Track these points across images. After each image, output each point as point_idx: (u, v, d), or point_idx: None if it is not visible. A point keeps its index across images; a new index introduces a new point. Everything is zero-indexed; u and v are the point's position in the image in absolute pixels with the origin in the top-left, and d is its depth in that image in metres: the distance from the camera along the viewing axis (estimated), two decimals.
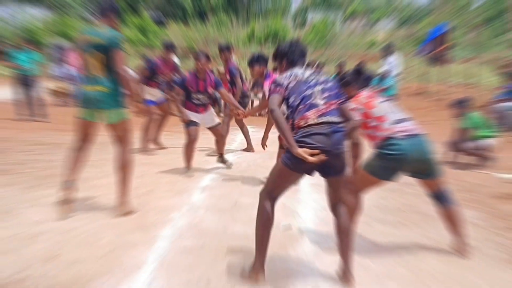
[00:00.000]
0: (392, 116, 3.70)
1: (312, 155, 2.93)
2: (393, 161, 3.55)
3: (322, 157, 2.94)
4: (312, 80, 3.23)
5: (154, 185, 5.91)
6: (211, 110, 6.91)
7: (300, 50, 3.46)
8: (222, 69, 11.52)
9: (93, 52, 4.23)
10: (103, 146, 7.88)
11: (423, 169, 3.70)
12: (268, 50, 30.73)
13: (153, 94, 7.93)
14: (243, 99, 8.57)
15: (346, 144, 3.16)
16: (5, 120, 10.43)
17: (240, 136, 9.63)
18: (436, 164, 3.74)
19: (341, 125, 3.12)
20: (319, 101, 3.12)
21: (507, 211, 5.01)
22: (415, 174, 3.77)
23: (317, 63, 13.12)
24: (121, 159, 4.60)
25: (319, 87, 3.19)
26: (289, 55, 3.44)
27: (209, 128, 6.79)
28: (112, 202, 5.02)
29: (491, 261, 3.71)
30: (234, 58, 12.78)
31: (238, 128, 8.48)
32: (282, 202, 5.17)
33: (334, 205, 3.31)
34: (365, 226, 4.47)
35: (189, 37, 32.11)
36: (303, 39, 28.28)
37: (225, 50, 8.10)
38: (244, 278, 3.27)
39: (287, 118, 3.15)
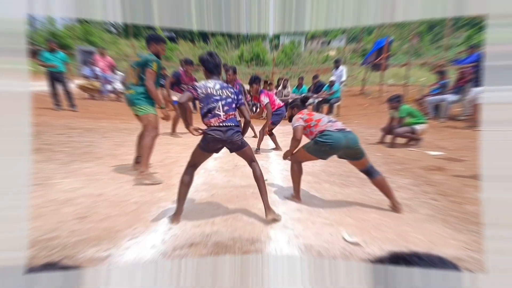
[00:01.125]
0: (326, 118, 3.92)
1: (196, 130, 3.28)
2: (326, 146, 3.68)
3: (200, 132, 3.30)
4: (218, 95, 3.36)
5: (177, 158, 5.91)
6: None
7: (214, 62, 3.45)
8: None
9: (133, 67, 4.55)
10: (131, 131, 7.77)
11: (350, 154, 3.82)
12: (253, 69, 30.61)
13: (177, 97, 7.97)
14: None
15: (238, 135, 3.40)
16: (39, 109, 9.81)
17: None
18: (360, 151, 3.82)
19: (234, 126, 3.37)
20: (221, 112, 3.33)
21: (434, 179, 4.94)
22: (344, 157, 3.90)
23: (284, 78, 13.56)
24: (142, 140, 4.76)
25: (222, 102, 3.35)
26: (206, 65, 3.45)
27: None
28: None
29: (421, 217, 3.70)
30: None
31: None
32: (261, 164, 5.15)
33: (249, 164, 3.55)
34: (316, 185, 4.58)
35: (195, 53, 31.66)
36: (276, 59, 28.08)
37: (230, 71, 8.14)
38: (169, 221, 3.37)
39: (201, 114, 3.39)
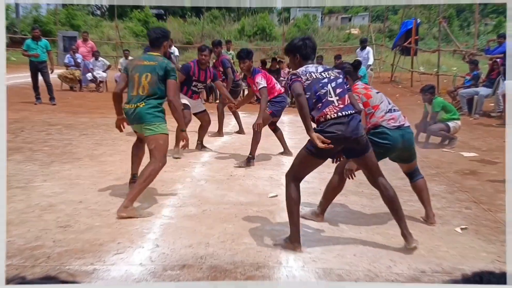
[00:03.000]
0: (384, 105, 3.71)
1: (323, 142, 2.95)
2: (381, 148, 3.55)
3: (330, 146, 2.96)
4: (325, 78, 3.19)
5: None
6: (201, 99, 6.96)
7: (311, 46, 3.33)
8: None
9: (147, 73, 4.03)
10: (111, 128, 7.94)
11: (404, 157, 3.81)
12: (257, 44, 30.75)
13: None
14: (235, 88, 8.65)
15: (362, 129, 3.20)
16: (17, 103, 10.39)
17: (233, 120, 9.57)
18: (414, 152, 3.83)
19: (355, 114, 3.15)
20: (334, 97, 3.12)
21: (468, 185, 5.11)
22: (395, 159, 3.87)
23: None
24: (145, 168, 4.12)
25: (332, 84, 3.17)
26: (302, 50, 3.30)
27: (196, 114, 6.63)
28: (119, 176, 5.02)
29: (452, 228, 3.78)
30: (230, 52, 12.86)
31: (231, 113, 8.35)
32: (269, 175, 5.21)
33: (374, 181, 3.31)
34: (342, 198, 4.46)
35: (186, 31, 31.83)
36: (287, 33, 28.14)
37: (217, 45, 8.17)
38: (283, 248, 3.25)
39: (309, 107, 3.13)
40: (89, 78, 13.89)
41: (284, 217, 3.92)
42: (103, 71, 14.03)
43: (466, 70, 12.54)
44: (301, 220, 3.81)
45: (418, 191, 3.93)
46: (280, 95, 6.07)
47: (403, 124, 3.67)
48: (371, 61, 13.27)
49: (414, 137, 7.18)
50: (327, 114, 3.07)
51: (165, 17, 37.82)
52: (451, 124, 7.08)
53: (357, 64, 4.04)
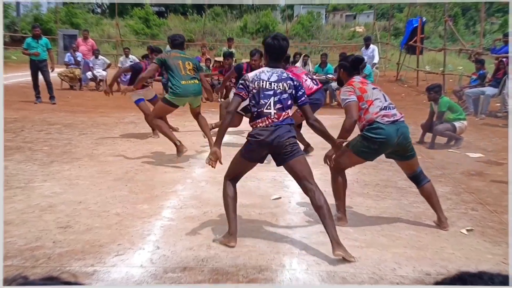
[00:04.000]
0: (379, 102, 3.73)
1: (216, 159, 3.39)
2: (376, 144, 3.61)
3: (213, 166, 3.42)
4: (272, 89, 3.31)
5: (159, 161, 5.88)
6: None
7: (278, 47, 3.40)
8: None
9: (189, 62, 5.87)
10: (110, 127, 8.00)
11: (400, 152, 3.78)
12: (260, 41, 30.71)
13: None
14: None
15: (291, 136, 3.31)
16: (17, 102, 10.50)
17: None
18: (412, 147, 3.82)
19: (286, 124, 3.29)
20: (272, 110, 3.28)
21: (474, 186, 5.11)
22: (392, 156, 3.86)
23: (303, 54, 13.14)
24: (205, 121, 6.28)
25: (275, 98, 3.30)
26: (270, 51, 3.42)
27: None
28: (119, 176, 5.04)
29: (457, 229, 3.79)
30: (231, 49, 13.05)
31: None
32: (273, 177, 5.20)
33: (304, 188, 3.36)
34: (347, 199, 4.42)
35: (187, 28, 31.88)
36: (291, 31, 28.17)
37: (228, 57, 8.36)
38: (220, 243, 3.35)
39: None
40: (89, 77, 13.94)
41: (287, 219, 3.95)
42: (103, 70, 14.07)
43: (472, 70, 12.55)
44: (305, 224, 3.86)
45: (427, 196, 3.89)
46: (314, 93, 5.96)
47: (398, 119, 3.70)
48: (376, 60, 13.26)
49: (420, 139, 7.33)
50: (259, 124, 3.28)
51: (166, 15, 37.92)
52: (457, 124, 7.08)
53: (356, 60, 3.98)
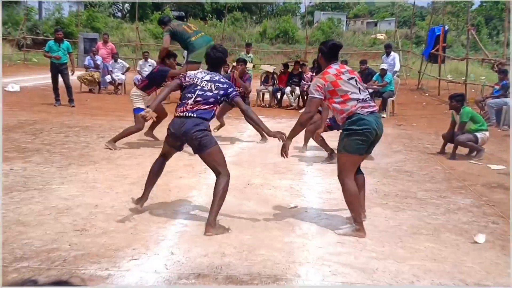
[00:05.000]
0: (355, 95, 3.82)
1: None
2: (365, 134, 3.74)
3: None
4: (201, 86, 3.89)
5: (175, 166, 5.90)
6: None
7: (212, 57, 4.03)
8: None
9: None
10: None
11: (373, 144, 3.94)
12: (279, 47, 30.86)
13: None
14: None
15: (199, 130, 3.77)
16: (37, 104, 10.73)
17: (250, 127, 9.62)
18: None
19: (198, 118, 3.80)
20: (191, 101, 3.84)
21: (496, 199, 5.02)
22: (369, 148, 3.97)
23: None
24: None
25: (199, 93, 3.86)
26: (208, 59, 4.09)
27: None
28: (135, 180, 5.08)
29: (479, 244, 3.73)
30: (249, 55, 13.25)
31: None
32: (289, 185, 5.20)
33: (215, 174, 3.92)
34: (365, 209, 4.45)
35: (206, 33, 32.10)
36: (311, 36, 28.20)
37: (242, 62, 8.39)
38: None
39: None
40: (108, 80, 14.12)
41: (304, 229, 3.92)
42: (122, 73, 14.24)
43: (495, 80, 12.40)
44: (322, 234, 3.84)
45: (359, 186, 4.01)
46: None
47: (374, 110, 3.88)
48: (397, 68, 13.16)
49: (441, 149, 7.25)
50: (177, 111, 3.87)
51: (185, 19, 38.29)
52: (479, 135, 6.99)
53: (334, 46, 3.99)
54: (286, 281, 2.95)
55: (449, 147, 7.18)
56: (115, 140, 6.69)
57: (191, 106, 3.82)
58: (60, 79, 10.70)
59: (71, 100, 10.86)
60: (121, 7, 45.14)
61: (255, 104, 13.02)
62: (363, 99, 3.82)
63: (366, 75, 12.08)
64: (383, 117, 11.25)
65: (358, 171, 4.06)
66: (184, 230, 3.76)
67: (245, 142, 7.82)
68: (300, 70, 12.82)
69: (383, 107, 11.61)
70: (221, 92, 3.91)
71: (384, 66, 11.80)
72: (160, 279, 2.90)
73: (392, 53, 13.19)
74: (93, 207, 4.17)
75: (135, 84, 9.73)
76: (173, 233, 3.67)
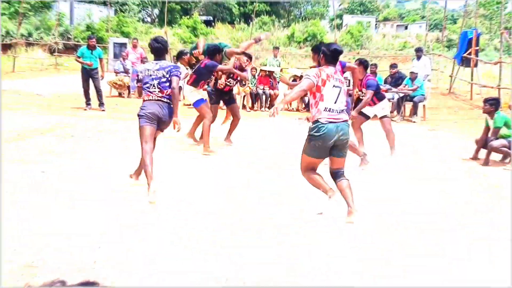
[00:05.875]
0: (329, 102, 4.26)
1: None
2: (320, 140, 4.23)
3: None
4: (153, 75, 5.05)
5: (202, 169, 5.96)
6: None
7: (154, 47, 5.15)
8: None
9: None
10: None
11: (340, 148, 4.35)
12: (307, 50, 30.78)
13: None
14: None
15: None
16: (69, 108, 11.05)
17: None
18: (347, 146, 4.44)
19: (169, 103, 5.02)
20: (156, 89, 5.04)
21: None
22: (333, 151, 4.34)
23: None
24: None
25: (155, 81, 5.03)
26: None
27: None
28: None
29: None
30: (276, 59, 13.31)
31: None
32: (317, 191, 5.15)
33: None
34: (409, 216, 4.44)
35: (234, 37, 32.33)
36: (339, 40, 28.05)
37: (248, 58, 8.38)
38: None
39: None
40: (138, 85, 14.37)
41: (328, 235, 3.89)
42: None
43: None
44: (352, 241, 3.81)
45: (341, 189, 4.32)
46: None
47: (339, 121, 4.27)
48: (428, 71, 12.99)
49: (474, 155, 7.10)
50: (145, 100, 5.09)
51: (213, 23, 38.66)
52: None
53: (336, 51, 4.42)
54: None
55: (482, 152, 7.03)
56: (206, 144, 6.91)
57: (159, 94, 5.04)
58: (91, 84, 10.96)
59: (101, 104, 11.11)
60: (150, 12, 45.87)
61: (282, 108, 13.03)
62: (332, 109, 4.27)
63: (396, 79, 11.95)
64: (414, 121, 11.11)
65: (340, 176, 4.40)
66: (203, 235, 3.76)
67: (273, 146, 7.83)
68: None
69: (414, 111, 11.46)
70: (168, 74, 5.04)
71: (414, 69, 11.66)
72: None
73: (423, 57, 13.01)
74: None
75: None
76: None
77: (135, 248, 3.42)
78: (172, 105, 5.01)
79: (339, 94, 4.32)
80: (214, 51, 7.10)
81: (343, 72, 5.92)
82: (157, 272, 3.05)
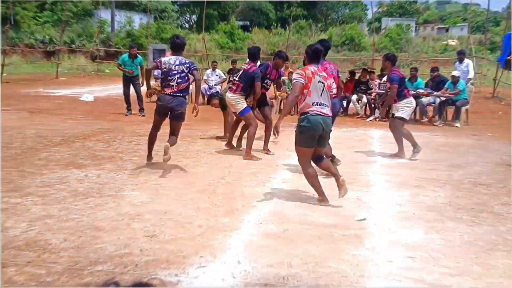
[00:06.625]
0: (315, 97, 4.69)
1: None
2: (310, 131, 4.65)
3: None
4: (175, 70, 5.88)
5: (239, 174, 6.00)
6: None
7: (175, 43, 6.05)
8: None
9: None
10: (193, 139, 8.28)
11: (324, 138, 4.84)
12: (344, 54, 30.58)
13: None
14: None
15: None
16: (110, 113, 11.38)
17: None
18: (328, 138, 5.04)
19: (183, 93, 5.99)
20: (174, 83, 5.89)
21: None
22: (318, 141, 4.77)
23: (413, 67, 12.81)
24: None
25: (177, 76, 5.89)
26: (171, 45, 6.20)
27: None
28: (202, 188, 5.20)
29: None
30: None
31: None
32: (357, 196, 5.10)
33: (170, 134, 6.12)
34: (438, 224, 4.32)
35: (271, 41, 32.45)
36: (378, 43, 27.69)
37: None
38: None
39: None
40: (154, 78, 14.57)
41: (372, 242, 3.83)
42: (214, 85, 14.55)
43: None
44: (392, 248, 3.74)
45: (325, 168, 4.99)
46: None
47: (324, 115, 4.71)
48: (471, 75, 12.63)
49: None
50: (165, 91, 5.96)
51: (250, 28, 38.93)
52: None
53: (315, 51, 4.86)
54: None
55: None
56: (248, 149, 6.97)
57: (175, 88, 5.91)
58: (132, 89, 11.26)
59: (141, 110, 11.36)
60: (188, 19, 46.61)
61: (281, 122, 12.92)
62: (319, 103, 4.71)
63: (438, 83, 11.69)
64: (456, 126, 10.83)
65: (321, 158, 4.95)
66: (250, 239, 3.79)
67: None
68: (368, 77, 12.62)
69: (456, 116, 11.18)
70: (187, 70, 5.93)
71: (455, 73, 11.37)
72: (227, 287, 2.95)
73: (466, 60, 12.68)
74: (163, 214, 4.30)
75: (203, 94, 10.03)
76: (239, 242, 3.71)
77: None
78: (183, 97, 6.02)
79: (323, 89, 4.76)
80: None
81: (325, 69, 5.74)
82: None
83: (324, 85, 4.76)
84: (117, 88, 14.46)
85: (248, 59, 7.55)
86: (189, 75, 5.98)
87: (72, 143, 7.55)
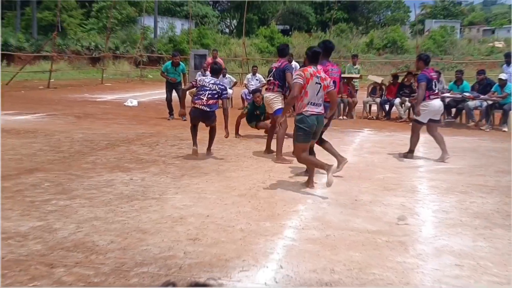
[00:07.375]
0: (311, 96, 5.13)
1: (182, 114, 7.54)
2: (307, 129, 5.19)
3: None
4: (208, 88, 6.72)
5: (280, 179, 5.99)
6: None
7: (213, 68, 7.20)
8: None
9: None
10: (233, 144, 8.32)
11: (317, 134, 5.49)
12: (386, 57, 30.10)
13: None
14: None
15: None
16: (153, 118, 11.62)
17: (358, 138, 9.47)
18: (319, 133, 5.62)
19: (211, 109, 6.76)
20: (205, 98, 6.68)
21: None
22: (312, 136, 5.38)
23: (435, 70, 12.52)
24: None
25: (207, 92, 6.71)
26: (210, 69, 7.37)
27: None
28: (243, 192, 5.23)
29: None
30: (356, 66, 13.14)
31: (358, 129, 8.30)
32: (401, 202, 5.01)
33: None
34: (486, 231, 4.19)
35: (310, 45, 32.33)
36: (421, 46, 27.12)
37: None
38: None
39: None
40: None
41: (418, 249, 3.74)
42: (229, 88, 14.76)
43: None
44: (438, 255, 3.65)
45: (326, 149, 6.08)
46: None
47: (318, 113, 5.23)
48: None
49: None
50: (195, 104, 6.75)
51: (290, 32, 38.93)
52: None
53: (314, 52, 5.31)
54: None
55: None
56: (278, 153, 7.03)
57: (205, 102, 6.71)
58: (174, 94, 11.42)
59: (182, 115, 11.49)
60: (228, 24, 47.09)
61: (361, 116, 12.81)
62: (314, 102, 5.16)
63: (484, 86, 11.34)
64: (504, 130, 10.45)
65: (312, 149, 5.69)
66: (292, 244, 3.78)
67: (350, 156, 7.69)
68: (412, 81, 12.37)
69: (503, 120, 10.80)
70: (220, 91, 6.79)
71: (503, 76, 10.97)
72: None
73: None
74: (205, 217, 4.35)
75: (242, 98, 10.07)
76: (281, 247, 3.71)
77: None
78: (212, 111, 6.82)
79: (319, 90, 5.17)
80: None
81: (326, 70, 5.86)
82: None
83: (320, 86, 5.19)
84: (159, 94, 14.74)
85: (278, 57, 7.59)
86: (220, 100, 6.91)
87: (118, 147, 7.77)
